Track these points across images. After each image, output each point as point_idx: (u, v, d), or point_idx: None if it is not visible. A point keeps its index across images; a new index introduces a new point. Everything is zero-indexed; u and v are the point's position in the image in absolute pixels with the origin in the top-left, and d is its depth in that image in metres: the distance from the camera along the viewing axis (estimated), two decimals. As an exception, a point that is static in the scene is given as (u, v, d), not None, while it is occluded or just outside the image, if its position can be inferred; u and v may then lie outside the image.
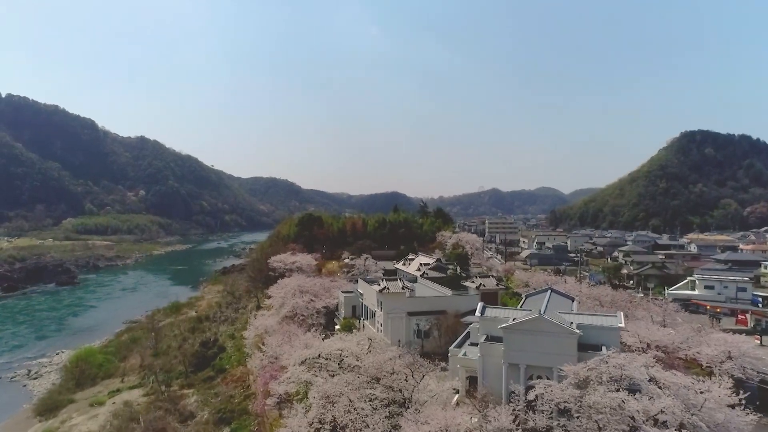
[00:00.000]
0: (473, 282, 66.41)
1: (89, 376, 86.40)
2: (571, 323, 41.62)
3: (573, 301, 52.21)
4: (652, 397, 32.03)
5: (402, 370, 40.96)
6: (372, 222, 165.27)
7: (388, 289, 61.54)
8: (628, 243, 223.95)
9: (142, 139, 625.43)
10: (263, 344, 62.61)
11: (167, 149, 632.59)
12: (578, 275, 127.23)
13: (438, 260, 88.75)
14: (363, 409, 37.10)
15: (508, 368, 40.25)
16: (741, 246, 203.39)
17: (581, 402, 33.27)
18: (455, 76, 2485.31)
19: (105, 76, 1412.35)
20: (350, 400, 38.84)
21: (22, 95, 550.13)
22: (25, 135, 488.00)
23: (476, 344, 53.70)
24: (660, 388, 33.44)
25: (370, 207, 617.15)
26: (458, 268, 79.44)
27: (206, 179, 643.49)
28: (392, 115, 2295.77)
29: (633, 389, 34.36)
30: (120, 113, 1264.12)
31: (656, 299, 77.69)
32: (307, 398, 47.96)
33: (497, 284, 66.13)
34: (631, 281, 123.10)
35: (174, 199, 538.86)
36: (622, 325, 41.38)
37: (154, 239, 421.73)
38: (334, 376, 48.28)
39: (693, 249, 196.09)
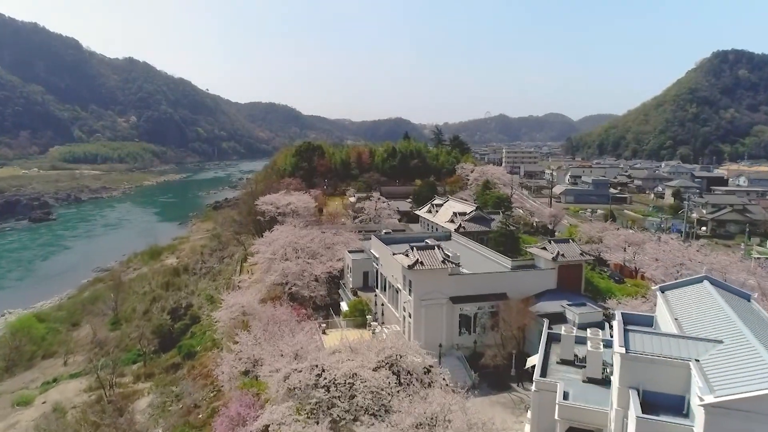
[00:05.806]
0: (545, 248, 44.58)
1: (26, 356, 67.63)
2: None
3: (749, 301, 30.82)
4: None
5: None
6: (380, 152, 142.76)
7: (421, 264, 40.08)
8: (664, 174, 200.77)
9: (130, 61, 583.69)
10: (236, 341, 42.36)
11: (158, 72, 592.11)
12: (686, 230, 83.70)
13: (478, 208, 66.67)
14: None
15: (707, 481, 19.45)
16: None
17: None
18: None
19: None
20: None
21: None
22: (5, 56, 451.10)
23: (569, 362, 33.13)
24: None
25: (374, 134, 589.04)
26: (507, 220, 57.93)
27: (201, 104, 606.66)
28: (395, 38, 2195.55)
29: None
30: (103, 32, 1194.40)
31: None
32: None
33: (581, 253, 44.20)
34: (703, 228, 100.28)
35: (168, 126, 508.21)
36: None
37: (147, 168, 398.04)
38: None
39: (743, 183, 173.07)
